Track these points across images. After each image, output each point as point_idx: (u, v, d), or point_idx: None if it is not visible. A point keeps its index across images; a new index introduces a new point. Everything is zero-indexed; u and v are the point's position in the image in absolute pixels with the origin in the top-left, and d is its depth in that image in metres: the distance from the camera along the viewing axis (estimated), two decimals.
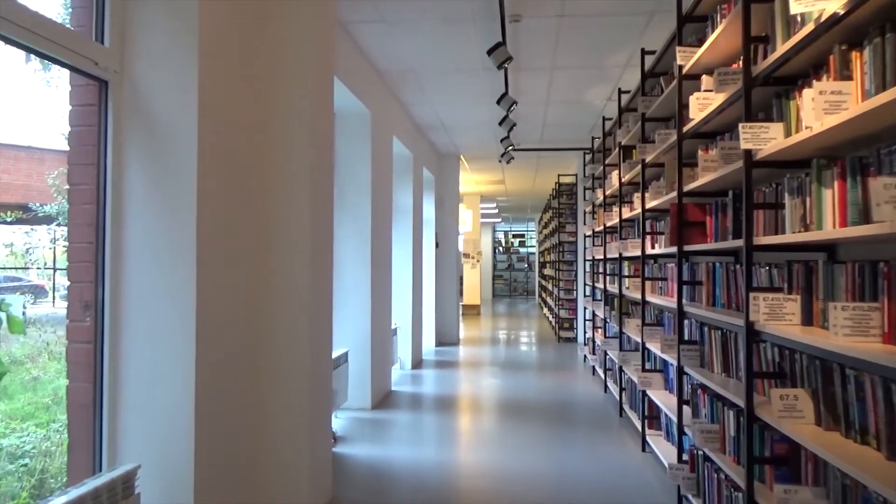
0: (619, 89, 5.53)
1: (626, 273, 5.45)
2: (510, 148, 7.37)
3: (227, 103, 2.79)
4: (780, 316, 2.21)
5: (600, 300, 7.03)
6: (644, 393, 4.36)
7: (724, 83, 2.66)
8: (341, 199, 5.47)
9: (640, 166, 4.45)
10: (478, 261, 16.07)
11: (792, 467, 2.30)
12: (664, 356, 3.74)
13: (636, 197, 4.73)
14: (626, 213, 5.24)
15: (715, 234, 3.16)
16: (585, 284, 8.28)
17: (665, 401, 3.93)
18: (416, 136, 7.93)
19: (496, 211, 19.16)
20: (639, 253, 4.59)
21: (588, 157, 8.34)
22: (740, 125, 2.32)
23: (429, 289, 9.38)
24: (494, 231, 24.66)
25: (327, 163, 3.48)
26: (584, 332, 8.37)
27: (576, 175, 10.21)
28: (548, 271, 14.27)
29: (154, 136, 2.55)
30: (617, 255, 5.54)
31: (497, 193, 15.26)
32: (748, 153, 2.39)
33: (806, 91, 2.07)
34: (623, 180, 5.24)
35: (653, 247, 4.47)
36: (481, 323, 13.83)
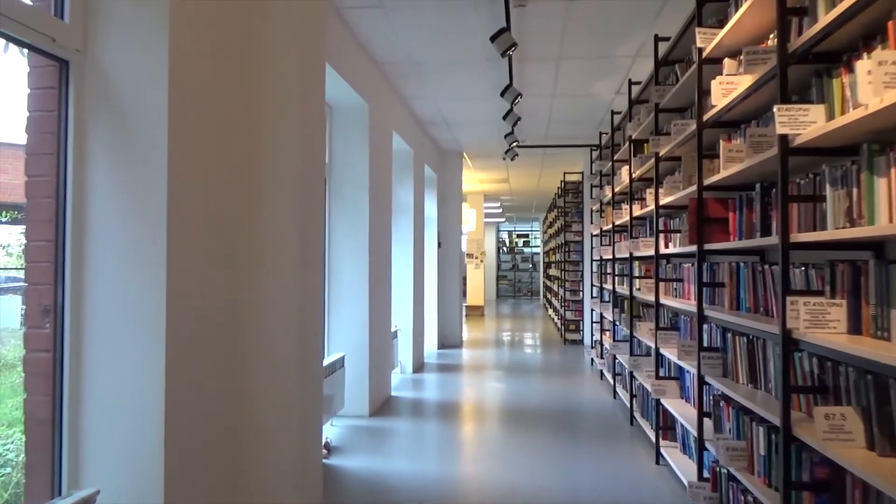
0: (630, 80, 5.27)
1: (637, 273, 5.18)
2: (514, 144, 7.10)
3: (202, 88, 2.53)
4: (822, 323, 1.95)
5: (608, 302, 6.76)
6: (658, 402, 4.09)
7: (753, 63, 2.39)
8: (338, 195, 5.22)
9: (653, 160, 4.18)
10: (481, 261, 15.80)
11: (835, 494, 2.03)
12: (681, 363, 3.47)
13: (648, 193, 4.46)
14: (638, 211, 4.97)
15: (739, 232, 2.89)
16: (592, 285, 8.02)
17: (681, 411, 3.66)
18: (417, 132, 7.68)
19: (500, 210, 18.91)
20: (652, 252, 4.32)
21: (595, 153, 8.07)
22: (776, 108, 2.06)
23: (431, 290, 9.12)
24: (498, 231, 24.39)
25: (317, 155, 3.23)
26: (591, 335, 8.11)
27: (582, 173, 9.94)
28: (553, 272, 14.00)
29: (121, 124, 2.30)
30: (627, 255, 5.27)
31: (501, 192, 15.00)
32: (784, 139, 2.13)
33: (859, 64, 1.80)
34: (634, 176, 4.97)
35: (666, 246, 4.21)
36: (485, 324, 13.57)
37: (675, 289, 4.10)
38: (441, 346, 9.50)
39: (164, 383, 2.24)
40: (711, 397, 3.06)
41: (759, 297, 2.72)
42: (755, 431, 2.54)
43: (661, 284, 4.18)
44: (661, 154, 4.03)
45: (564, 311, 10.30)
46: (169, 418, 2.26)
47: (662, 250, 4.13)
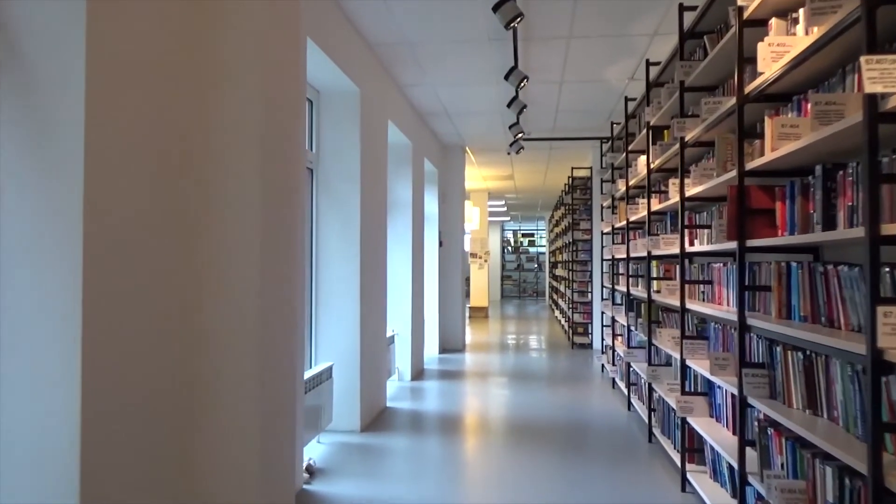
0: (648, 60, 4.78)
1: (655, 274, 4.70)
2: (519, 136, 6.62)
3: (136, 43, 2.07)
4: None
5: (621, 305, 6.28)
6: (683, 419, 3.60)
7: (821, 13, 1.91)
8: (326, 189, 4.75)
9: (677, 146, 3.70)
10: (485, 261, 15.32)
11: None
12: (715, 379, 2.99)
13: (671, 184, 3.98)
14: (657, 205, 4.49)
15: (790, 225, 2.41)
16: (603, 287, 7.53)
17: (713, 433, 3.18)
18: (416, 124, 7.21)
19: (505, 209, 18.42)
20: (676, 250, 3.84)
21: (606, 146, 7.58)
22: (863, 59, 1.58)
23: (431, 291, 8.65)
24: (503, 230, 23.91)
25: (291, 141, 2.76)
26: (602, 339, 7.62)
27: (590, 168, 9.45)
28: (559, 272, 13.52)
29: (30, 86, 1.84)
30: (644, 254, 4.79)
31: (505, 190, 14.52)
32: (872, 101, 1.65)
33: None
34: (652, 166, 4.49)
35: (691, 244, 3.73)
36: (489, 326, 13.09)
37: (704, 292, 3.62)
38: (443, 350, 9.03)
39: (79, 404, 1.78)
40: (756, 423, 2.57)
41: (820, 304, 2.23)
42: (819, 471, 2.05)
43: (686, 287, 3.70)
44: (687, 139, 3.55)
45: (572, 313, 9.81)
46: (87, 447, 1.81)
47: (688, 248, 3.65)
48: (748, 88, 2.59)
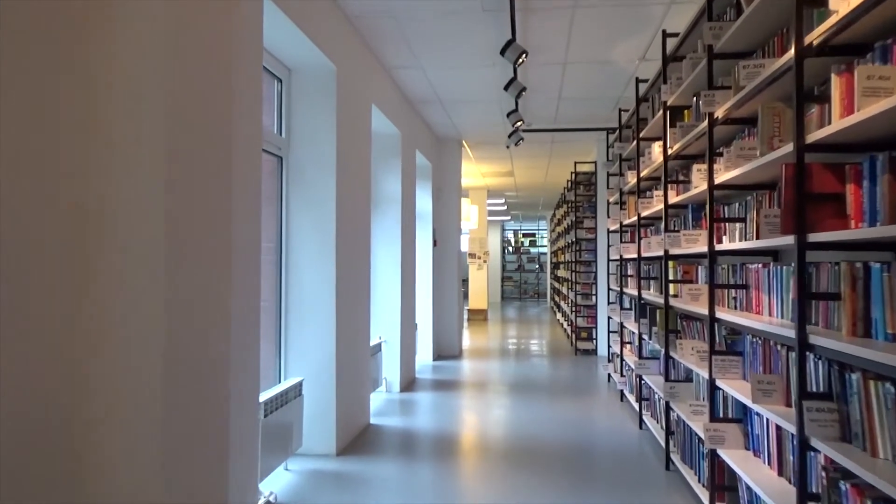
0: (664, 31, 4.19)
1: (673, 276, 4.12)
2: (518, 124, 6.04)
3: None
4: None
5: (630, 310, 5.70)
6: (712, 451, 3.02)
7: None
8: (299, 178, 4.17)
9: (704, 125, 3.12)
10: (484, 261, 14.74)
11: None
12: (759, 408, 2.40)
13: (696, 171, 3.40)
14: (675, 198, 3.91)
15: (869, 214, 1.83)
16: (609, 289, 6.94)
17: (749, 470, 2.59)
18: (406, 112, 6.63)
19: (505, 208, 17.84)
20: (701, 249, 3.26)
21: (613, 136, 6.98)
22: None
23: (425, 294, 8.07)
24: (503, 230, 23.33)
25: (218, 110, 2.18)
26: (608, 346, 7.04)
27: (595, 162, 8.87)
28: (561, 273, 12.93)
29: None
30: (659, 254, 4.21)
31: (505, 187, 13.93)
32: None
33: None
34: (670, 152, 3.91)
35: (719, 241, 3.15)
36: (488, 330, 12.50)
37: (736, 298, 3.04)
38: (438, 356, 8.45)
39: None
40: (823, 472, 1.98)
41: None
42: None
43: (712, 292, 3.11)
44: (717, 115, 2.97)
45: (575, 316, 9.23)
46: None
47: (719, 246, 3.06)
48: (810, 38, 2.00)
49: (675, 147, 3.77)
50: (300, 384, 3.91)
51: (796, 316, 2.05)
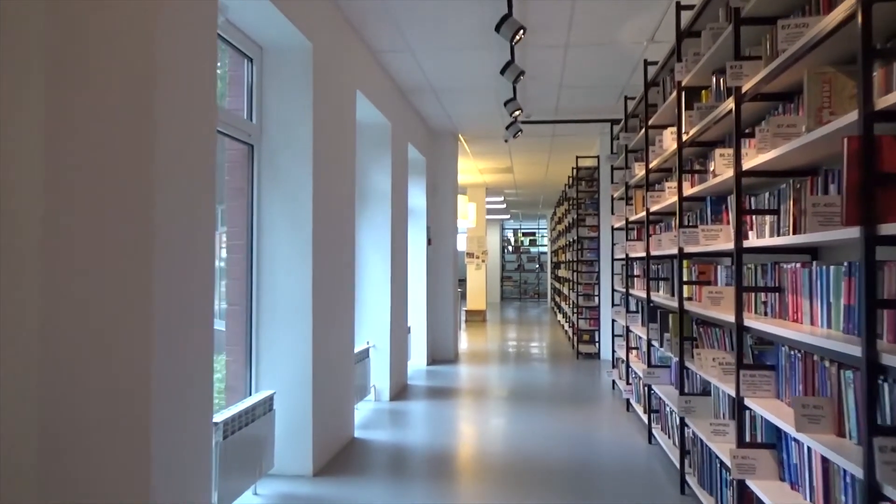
0: (678, 3, 3.77)
1: (688, 277, 3.70)
2: (517, 114, 5.63)
3: None
4: None
5: (637, 313, 5.28)
6: (741, 480, 2.60)
7: None
8: (270, 166, 3.75)
9: (729, 102, 2.70)
10: (483, 261, 14.31)
11: None
12: (805, 438, 1.99)
13: (718, 156, 2.98)
14: (690, 189, 3.49)
15: None
16: (614, 290, 6.53)
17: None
18: (397, 101, 6.21)
19: (504, 206, 17.42)
20: (725, 246, 2.84)
21: (618, 128, 6.56)
22: None
23: (418, 295, 7.66)
24: (503, 229, 22.91)
25: (143, 73, 1.77)
26: (612, 351, 6.63)
27: (597, 157, 8.45)
28: (562, 273, 12.51)
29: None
30: (672, 252, 3.79)
31: (504, 185, 13.51)
32: None
33: None
34: (685, 139, 3.49)
35: (746, 236, 2.73)
36: (487, 332, 12.08)
37: (767, 304, 2.62)
38: (432, 361, 8.03)
39: None
40: None
41: None
42: None
43: (739, 296, 2.69)
44: (745, 90, 2.55)
45: (577, 318, 8.80)
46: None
47: (748, 242, 2.64)
48: None
49: (692, 132, 3.36)
50: (271, 398, 3.49)
51: (861, 328, 1.63)
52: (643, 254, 4.83)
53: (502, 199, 15.62)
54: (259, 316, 3.73)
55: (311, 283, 3.72)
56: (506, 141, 8.37)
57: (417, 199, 7.69)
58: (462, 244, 20.85)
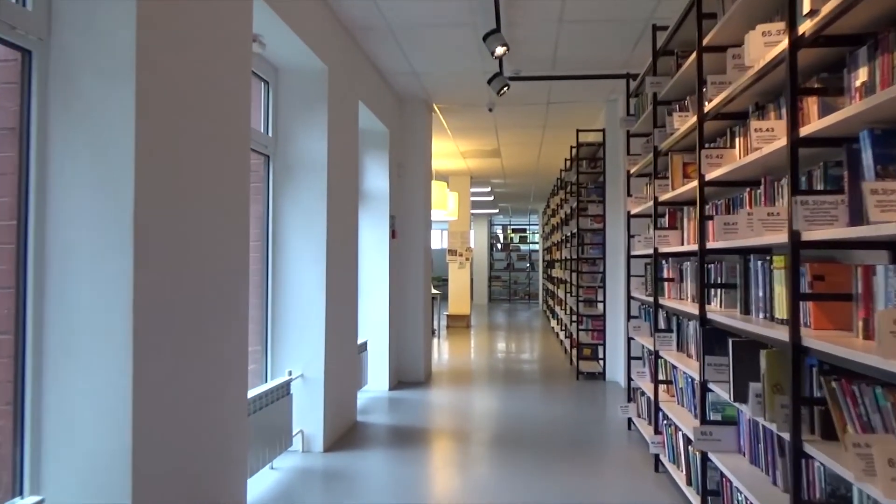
0: None
1: (802, 288, 2.10)
2: (502, 52, 4.03)
3: None
4: None
5: (671, 333, 3.70)
6: None
7: None
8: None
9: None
10: (467, 259, 12.70)
11: None
12: None
13: (809, 104, 1.38)
14: (768, 144, 1.91)
15: None
16: (630, 297, 4.93)
17: None
18: (340, 41, 4.58)
19: (491, 199, 15.81)
20: (871, 233, 1.25)
21: (635, 85, 4.94)
22: None
23: (378, 301, 6.05)
24: (491, 225, 21.33)
25: None
26: (628, 378, 5.04)
27: (603, 130, 6.86)
28: (557, 272, 10.93)
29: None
30: (762, 242, 2.21)
31: (491, 172, 11.91)
32: None
33: None
34: (807, 30, 1.90)
35: None
36: (469, 341, 10.46)
37: None
38: (397, 383, 6.43)
39: None
40: None
41: None
42: None
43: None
44: None
45: (576, 328, 7.21)
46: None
47: None
48: None
49: (818, 21, 1.76)
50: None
51: None
52: (687, 247, 3.25)
53: (489, 189, 14.02)
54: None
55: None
56: (490, 110, 6.80)
57: (377, 180, 6.08)
58: (444, 241, 19.29)
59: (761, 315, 2.44)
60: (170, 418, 2.28)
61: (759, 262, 2.44)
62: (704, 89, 2.91)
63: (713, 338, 2.81)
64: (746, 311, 2.60)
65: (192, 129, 2.45)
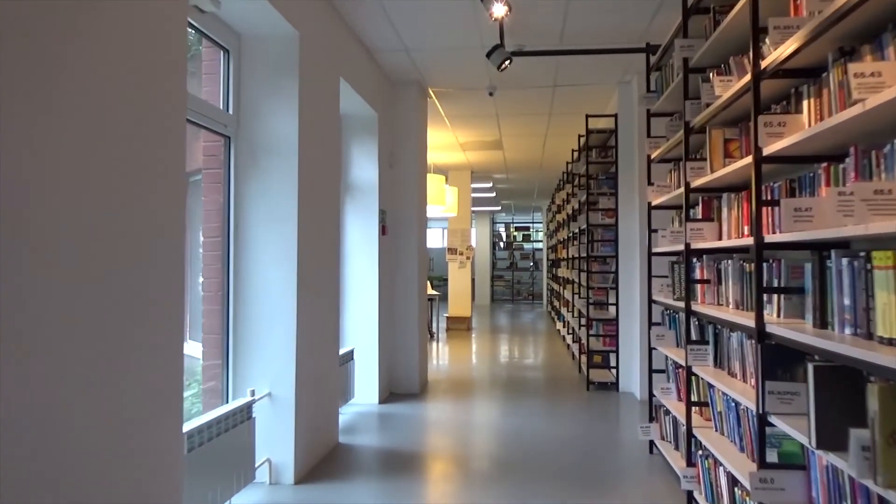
0: None
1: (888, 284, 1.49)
2: (504, 15, 3.42)
3: None
4: None
5: (704, 344, 3.08)
6: None
7: None
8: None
9: None
10: (468, 258, 12.07)
11: None
12: None
13: None
14: (875, 95, 1.29)
15: None
16: (651, 301, 4.30)
17: None
18: (316, 2, 3.97)
19: (494, 195, 15.18)
20: None
21: (657, 56, 4.30)
22: None
23: (367, 305, 5.45)
24: (493, 223, 20.71)
25: None
26: (650, 394, 4.40)
27: (615, 116, 6.23)
28: (563, 272, 10.31)
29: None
30: (851, 233, 1.59)
31: (493, 167, 11.29)
32: None
33: None
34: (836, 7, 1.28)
35: None
36: (470, 345, 9.84)
37: None
38: (388, 396, 5.82)
39: None
40: None
41: None
42: None
43: None
44: None
45: (586, 333, 6.59)
46: None
47: None
48: None
49: None
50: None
51: None
52: (728, 242, 2.63)
53: (491, 185, 13.39)
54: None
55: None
56: (491, 94, 6.18)
57: (364, 170, 5.47)
58: (444, 239, 18.67)
59: (847, 330, 1.83)
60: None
61: (846, 260, 1.82)
62: (778, 30, 2.27)
63: (774, 356, 2.19)
64: (823, 323, 1.98)
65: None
